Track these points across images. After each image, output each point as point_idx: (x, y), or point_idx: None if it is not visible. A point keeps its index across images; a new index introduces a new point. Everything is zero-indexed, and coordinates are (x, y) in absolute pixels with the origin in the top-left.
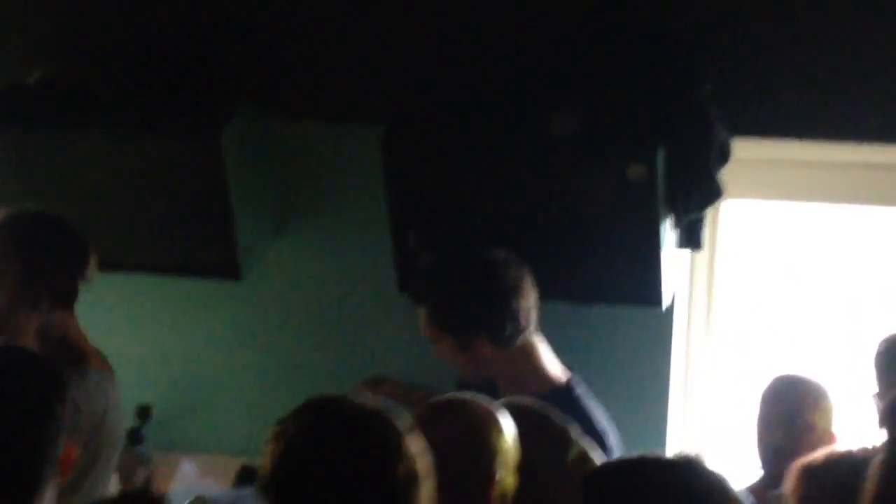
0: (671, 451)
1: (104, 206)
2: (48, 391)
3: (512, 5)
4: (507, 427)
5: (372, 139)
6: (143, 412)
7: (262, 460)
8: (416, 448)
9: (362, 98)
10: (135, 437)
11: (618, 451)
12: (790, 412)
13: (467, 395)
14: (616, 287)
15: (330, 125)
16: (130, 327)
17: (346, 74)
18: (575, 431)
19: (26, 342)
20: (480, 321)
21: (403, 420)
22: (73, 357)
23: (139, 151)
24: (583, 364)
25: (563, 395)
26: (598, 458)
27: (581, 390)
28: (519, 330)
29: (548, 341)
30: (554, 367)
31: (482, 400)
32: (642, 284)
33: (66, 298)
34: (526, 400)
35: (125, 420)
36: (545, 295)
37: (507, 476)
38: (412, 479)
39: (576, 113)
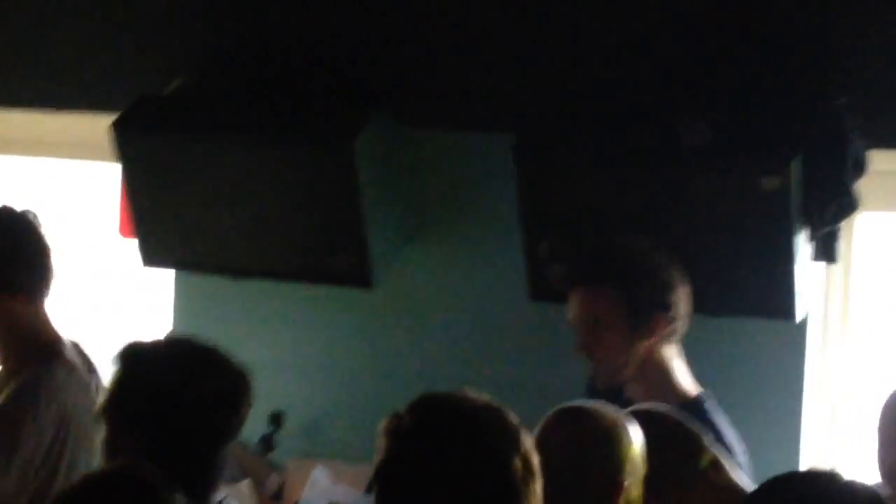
0: (804, 466)
1: (238, 213)
2: (237, 390)
3: (644, 14)
4: (636, 437)
5: (504, 148)
6: (276, 419)
7: (376, 454)
8: (530, 444)
9: (495, 107)
10: (267, 443)
11: (746, 467)
12: None
13: (598, 402)
14: (749, 299)
15: (462, 134)
16: (264, 334)
17: (478, 83)
18: (708, 439)
19: None
20: (658, 305)
21: (515, 416)
22: (43, 352)
23: (273, 159)
24: (714, 377)
25: (691, 409)
26: (730, 466)
27: (710, 405)
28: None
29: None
30: (686, 380)
31: (611, 408)
32: (776, 297)
33: (28, 289)
34: (658, 406)
35: (258, 426)
36: None
37: (633, 486)
38: (529, 474)
39: (708, 123)
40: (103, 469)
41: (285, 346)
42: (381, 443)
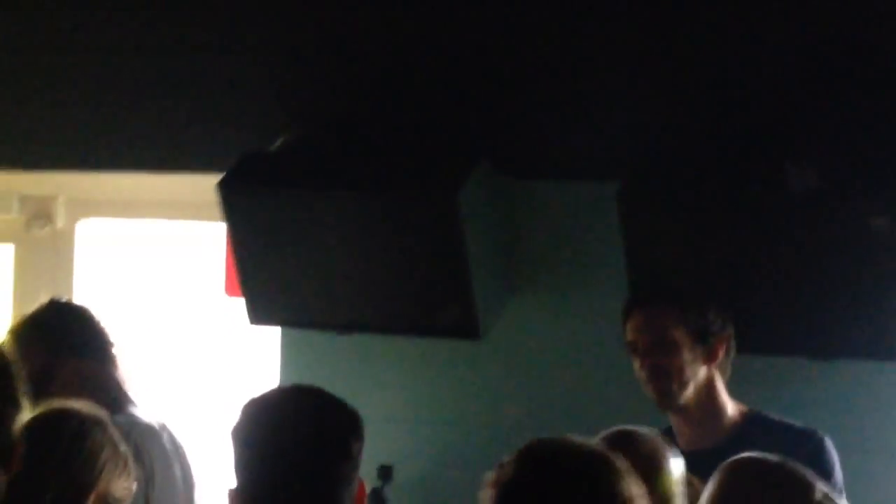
0: None
1: (344, 268)
2: (346, 431)
3: (748, 58)
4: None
5: (608, 196)
6: (385, 472)
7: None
8: (637, 491)
9: (598, 155)
10: (378, 498)
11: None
12: None
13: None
14: (860, 341)
15: (566, 182)
16: (371, 389)
17: (580, 132)
18: (819, 481)
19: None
20: (720, 329)
21: (622, 461)
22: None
23: (378, 212)
24: (827, 420)
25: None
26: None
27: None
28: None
29: (792, 398)
30: (734, 406)
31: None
32: (887, 338)
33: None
34: (768, 455)
35: (368, 481)
36: (788, 350)
37: None
38: None
39: (814, 165)
40: None
41: (393, 401)
42: (486, 494)
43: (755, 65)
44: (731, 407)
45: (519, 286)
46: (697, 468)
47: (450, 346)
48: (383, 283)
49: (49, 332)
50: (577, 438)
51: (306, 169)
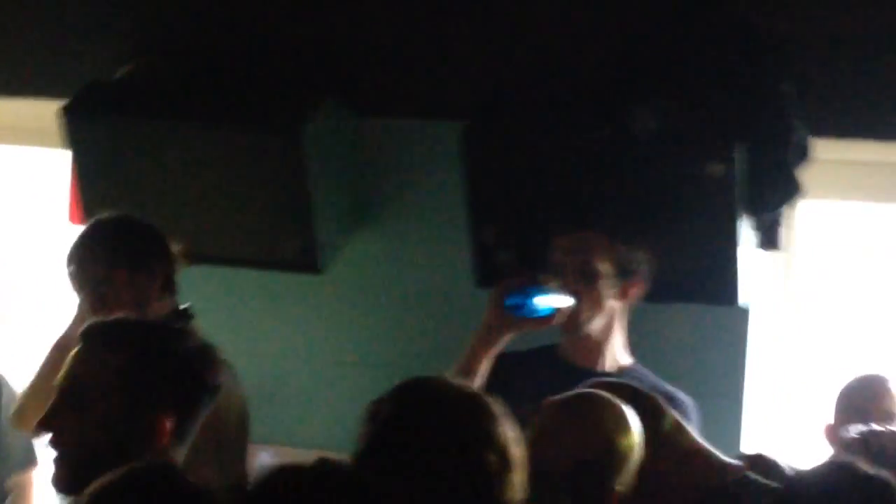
0: (745, 450)
1: (187, 198)
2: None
3: (589, 1)
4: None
5: (451, 135)
6: None
7: (356, 441)
8: (511, 434)
9: (443, 95)
10: None
11: (692, 411)
12: (866, 409)
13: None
14: (692, 285)
15: (411, 121)
16: (212, 320)
17: (426, 71)
18: (662, 400)
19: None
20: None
21: (497, 405)
22: None
23: (223, 144)
24: (658, 363)
25: (632, 376)
26: (690, 427)
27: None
28: None
29: (630, 343)
30: (625, 351)
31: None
32: (719, 283)
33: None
34: (611, 376)
35: None
36: None
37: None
38: (504, 467)
39: (654, 110)
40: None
41: (231, 332)
42: (362, 430)
43: (600, 6)
44: (618, 354)
45: (362, 222)
46: None
47: (291, 280)
48: (226, 215)
49: None
50: (456, 380)
51: (152, 99)
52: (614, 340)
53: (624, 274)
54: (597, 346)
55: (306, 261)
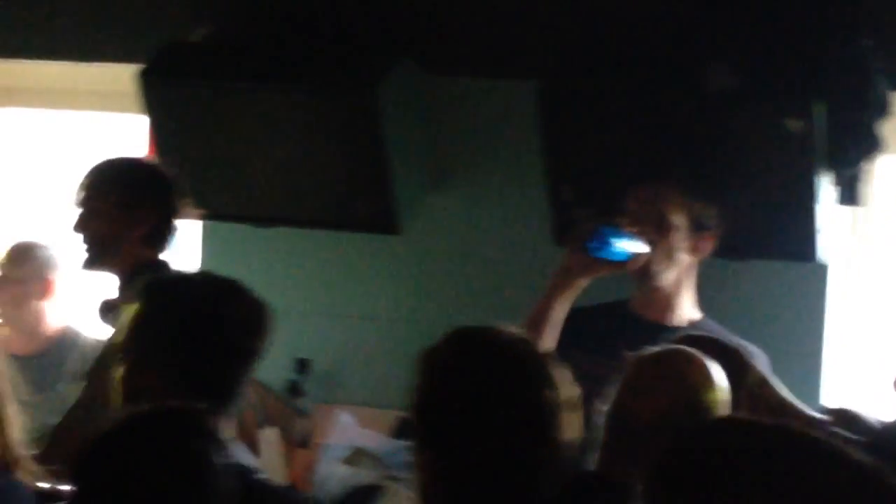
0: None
1: (264, 161)
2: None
3: None
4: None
5: (528, 94)
6: (303, 365)
7: (411, 390)
8: (563, 377)
9: (519, 53)
10: (295, 390)
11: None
12: None
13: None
14: (771, 242)
15: (486, 80)
16: (290, 282)
17: (502, 30)
18: (748, 355)
19: None
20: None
21: (548, 352)
22: None
23: (298, 106)
24: (736, 319)
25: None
26: (776, 384)
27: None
28: None
29: (707, 300)
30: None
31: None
32: (798, 239)
33: None
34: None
35: (285, 374)
36: None
37: None
38: (558, 407)
39: (732, 67)
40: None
41: (311, 294)
42: (417, 373)
43: None
44: (688, 309)
45: (438, 182)
46: None
47: (369, 241)
48: (303, 177)
49: None
50: (505, 326)
51: (227, 62)
52: (685, 294)
53: (697, 227)
54: (667, 300)
55: (384, 222)
